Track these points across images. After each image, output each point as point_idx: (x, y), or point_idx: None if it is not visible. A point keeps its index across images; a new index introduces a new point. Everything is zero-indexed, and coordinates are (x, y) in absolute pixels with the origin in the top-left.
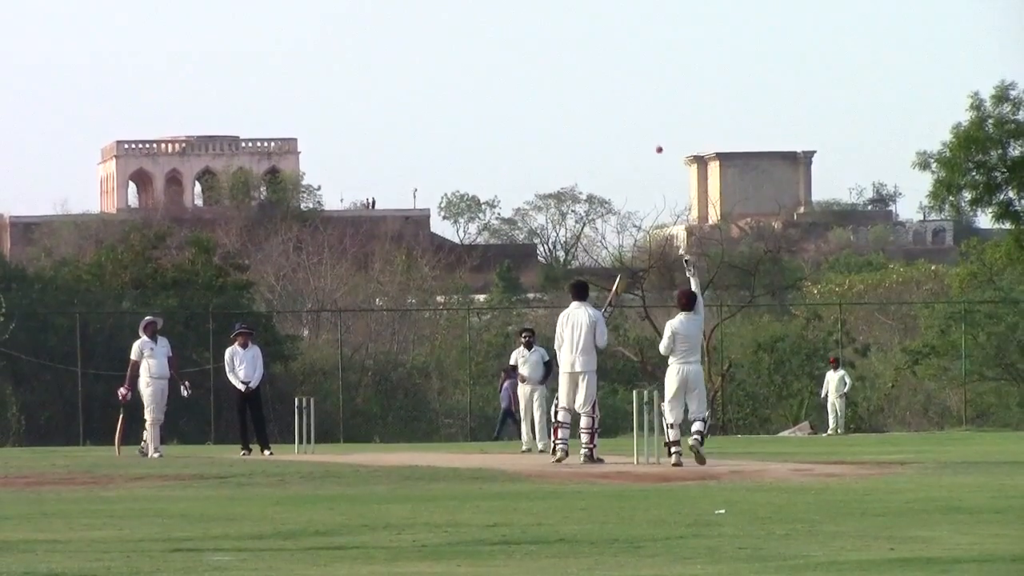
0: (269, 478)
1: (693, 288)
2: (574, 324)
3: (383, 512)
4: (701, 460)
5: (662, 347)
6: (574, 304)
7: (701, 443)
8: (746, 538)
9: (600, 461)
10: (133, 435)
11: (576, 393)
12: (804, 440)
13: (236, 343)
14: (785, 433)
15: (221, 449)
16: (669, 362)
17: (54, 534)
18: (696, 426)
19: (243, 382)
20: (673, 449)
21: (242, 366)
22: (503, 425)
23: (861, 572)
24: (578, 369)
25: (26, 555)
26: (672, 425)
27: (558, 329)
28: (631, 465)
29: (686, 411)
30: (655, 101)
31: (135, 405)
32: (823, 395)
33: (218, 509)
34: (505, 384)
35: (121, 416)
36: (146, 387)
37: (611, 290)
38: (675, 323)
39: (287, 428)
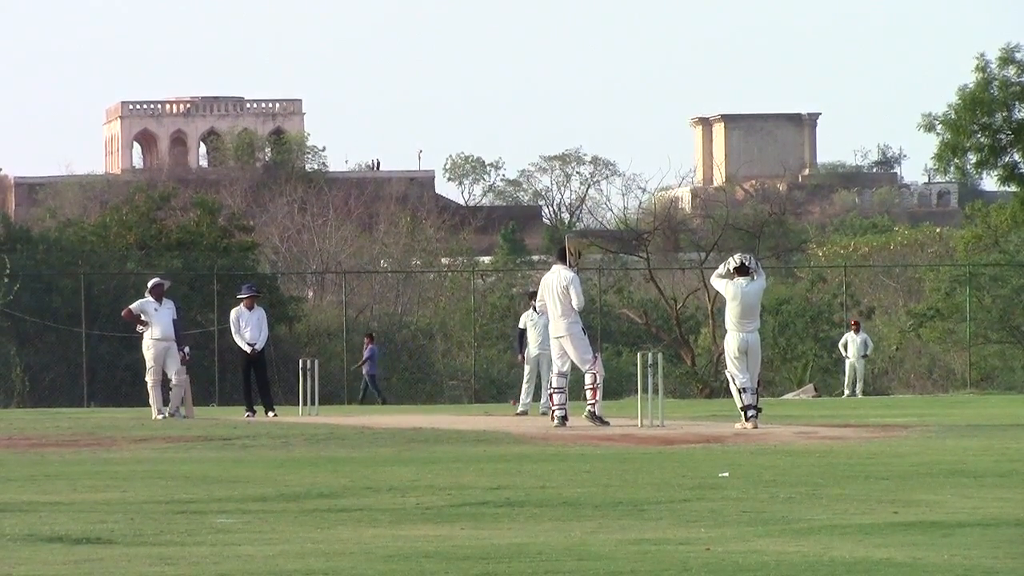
0: (273, 440)
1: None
2: (550, 289)
3: (387, 474)
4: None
5: (715, 279)
6: (554, 267)
7: (756, 416)
8: (749, 501)
9: (606, 423)
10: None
11: (566, 356)
12: (808, 403)
13: (242, 304)
14: (789, 396)
15: (225, 411)
16: (728, 329)
17: (57, 496)
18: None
19: (249, 344)
20: (749, 414)
21: (248, 328)
22: (374, 388)
23: (864, 535)
24: (560, 333)
25: (29, 516)
26: (744, 389)
27: (540, 292)
28: (635, 427)
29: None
30: (660, 63)
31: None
32: (847, 356)
33: (222, 471)
34: (367, 349)
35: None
36: (147, 349)
37: (572, 253)
38: (734, 287)
39: (291, 390)
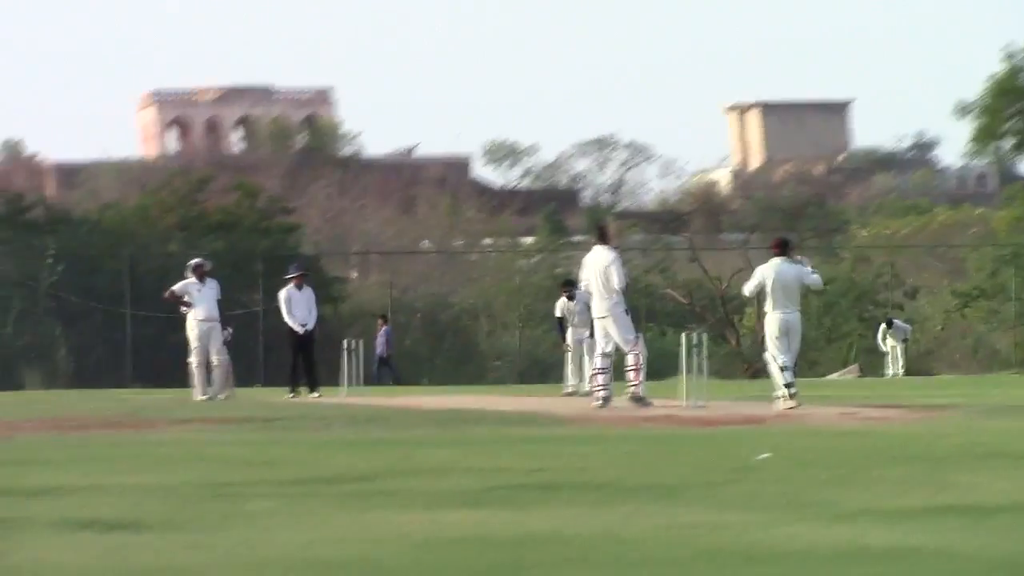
0: (314, 422)
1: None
2: (593, 269)
3: (426, 456)
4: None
5: (746, 290)
6: (595, 248)
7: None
8: (787, 483)
9: (649, 404)
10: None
11: (609, 337)
12: (852, 383)
13: (292, 284)
14: (834, 376)
15: (270, 392)
16: (767, 311)
17: (95, 479)
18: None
19: (301, 324)
20: (791, 391)
21: (298, 308)
22: (380, 371)
23: (900, 520)
24: (601, 314)
25: (63, 500)
26: (785, 367)
27: (581, 273)
28: (678, 408)
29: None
30: (694, 50)
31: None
32: (885, 347)
33: (260, 453)
34: (381, 331)
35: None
36: (191, 330)
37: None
38: (767, 269)
39: (334, 371)
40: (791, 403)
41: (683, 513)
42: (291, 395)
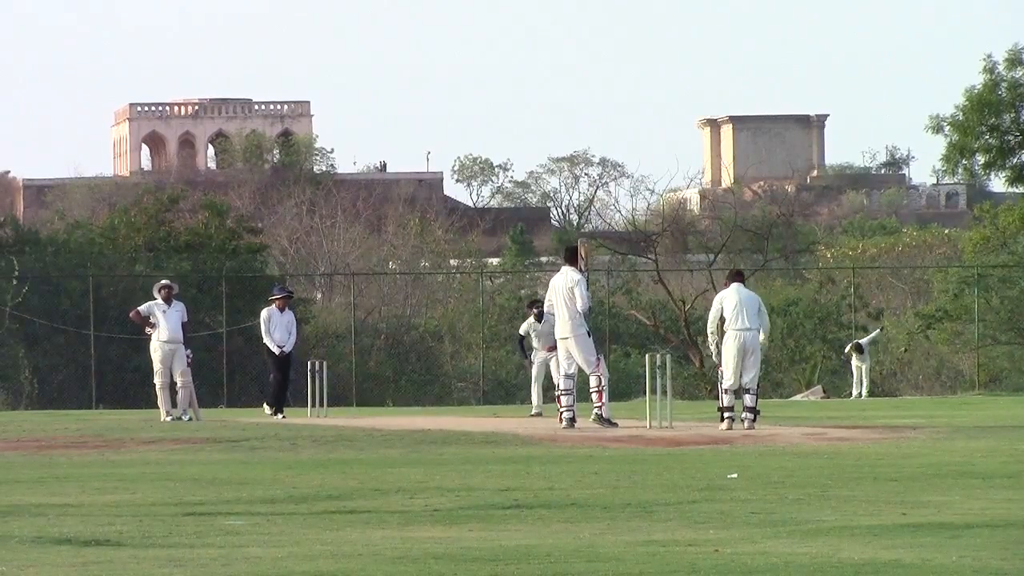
0: (281, 442)
1: None
2: (557, 290)
3: (396, 476)
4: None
5: (709, 322)
6: (563, 269)
7: (754, 421)
8: (758, 502)
9: (614, 424)
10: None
11: (571, 358)
12: (817, 404)
13: (274, 305)
14: (798, 397)
15: (233, 412)
16: (727, 329)
17: (66, 498)
18: (748, 400)
19: (278, 346)
20: (726, 415)
21: (277, 330)
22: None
23: (873, 537)
24: (564, 335)
25: (38, 519)
26: (727, 391)
27: (548, 294)
28: (643, 429)
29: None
30: (667, 64)
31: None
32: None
33: (230, 473)
34: None
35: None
36: (154, 351)
37: (583, 256)
38: (727, 293)
39: (299, 392)
40: (723, 425)
41: (658, 530)
42: (280, 416)
